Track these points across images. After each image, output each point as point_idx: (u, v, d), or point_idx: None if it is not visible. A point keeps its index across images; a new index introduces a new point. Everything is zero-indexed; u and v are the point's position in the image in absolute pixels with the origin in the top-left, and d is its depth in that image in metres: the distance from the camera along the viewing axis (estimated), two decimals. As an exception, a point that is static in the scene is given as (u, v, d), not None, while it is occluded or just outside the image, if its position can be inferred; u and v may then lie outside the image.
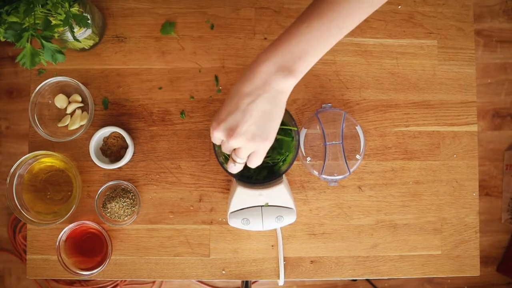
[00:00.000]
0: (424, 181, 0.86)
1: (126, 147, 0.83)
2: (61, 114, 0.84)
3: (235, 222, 0.72)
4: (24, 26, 0.63)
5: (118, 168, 0.84)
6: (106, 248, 0.81)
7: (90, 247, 0.83)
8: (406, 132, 0.86)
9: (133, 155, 0.84)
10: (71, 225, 0.79)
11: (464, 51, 0.87)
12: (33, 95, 0.78)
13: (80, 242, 0.84)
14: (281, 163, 0.74)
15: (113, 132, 0.82)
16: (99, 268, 0.79)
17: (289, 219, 0.72)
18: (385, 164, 0.86)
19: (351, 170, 0.79)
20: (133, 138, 0.84)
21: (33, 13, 0.63)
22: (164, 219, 0.84)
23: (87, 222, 0.80)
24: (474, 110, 0.87)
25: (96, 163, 0.81)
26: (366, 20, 0.86)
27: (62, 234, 0.78)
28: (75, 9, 0.68)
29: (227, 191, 0.84)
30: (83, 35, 0.77)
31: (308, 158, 0.80)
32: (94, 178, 0.84)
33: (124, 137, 0.82)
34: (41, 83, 0.78)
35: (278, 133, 0.73)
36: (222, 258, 0.84)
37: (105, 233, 0.80)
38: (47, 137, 0.79)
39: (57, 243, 0.78)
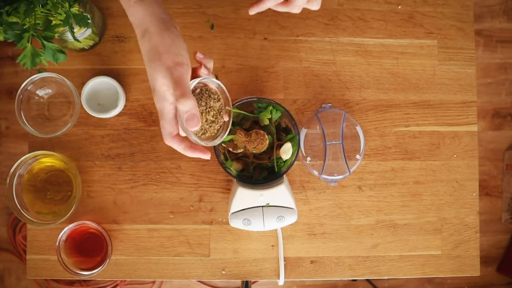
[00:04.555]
0: (424, 181, 0.86)
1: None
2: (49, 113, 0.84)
3: (236, 223, 0.72)
4: (24, 27, 0.63)
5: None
6: (106, 248, 0.81)
7: (90, 247, 0.83)
8: (406, 132, 0.86)
9: (133, 156, 0.84)
10: (71, 225, 0.79)
11: (464, 51, 0.87)
12: (19, 91, 0.78)
13: (80, 242, 0.84)
14: (281, 164, 0.74)
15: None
16: (99, 268, 0.79)
17: (290, 219, 0.73)
18: (385, 164, 0.86)
19: (351, 170, 0.79)
20: (133, 138, 0.84)
21: (33, 13, 0.63)
22: (164, 219, 0.84)
23: (87, 222, 0.80)
24: (474, 110, 0.87)
25: (90, 113, 0.81)
26: (366, 20, 0.86)
27: (62, 234, 0.78)
28: (75, 9, 0.68)
29: (227, 191, 0.85)
30: (83, 35, 0.77)
31: (308, 158, 0.80)
32: (94, 178, 0.84)
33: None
34: (26, 79, 0.78)
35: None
36: (222, 258, 0.84)
37: (105, 233, 0.80)
38: (34, 132, 0.79)
39: (57, 243, 0.78)
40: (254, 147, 0.71)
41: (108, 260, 0.80)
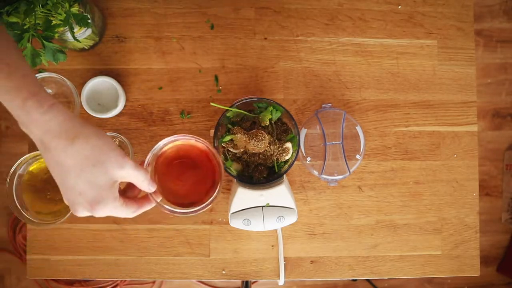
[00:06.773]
0: (424, 181, 0.86)
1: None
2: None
3: (236, 223, 0.72)
4: (25, 27, 0.63)
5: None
6: (214, 177, 0.59)
7: (189, 174, 0.61)
8: (406, 132, 0.86)
9: (133, 156, 0.84)
10: (171, 138, 0.57)
11: (464, 51, 0.87)
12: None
13: (176, 165, 0.61)
14: (281, 164, 0.74)
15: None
16: (204, 204, 0.58)
17: (290, 219, 0.73)
18: (385, 164, 0.86)
19: (351, 170, 0.79)
20: (133, 138, 0.84)
21: (33, 13, 0.63)
22: (164, 219, 0.84)
23: (187, 136, 0.58)
24: (474, 110, 0.87)
25: (90, 113, 0.81)
26: (366, 20, 0.86)
27: (156, 149, 0.57)
28: (75, 9, 0.68)
29: (228, 191, 0.84)
30: (83, 35, 0.77)
31: (308, 158, 0.80)
32: (94, 178, 0.84)
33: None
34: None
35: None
36: (222, 258, 0.84)
37: (216, 155, 0.59)
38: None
39: (146, 162, 0.57)
40: (254, 147, 0.71)
41: (217, 192, 0.59)
